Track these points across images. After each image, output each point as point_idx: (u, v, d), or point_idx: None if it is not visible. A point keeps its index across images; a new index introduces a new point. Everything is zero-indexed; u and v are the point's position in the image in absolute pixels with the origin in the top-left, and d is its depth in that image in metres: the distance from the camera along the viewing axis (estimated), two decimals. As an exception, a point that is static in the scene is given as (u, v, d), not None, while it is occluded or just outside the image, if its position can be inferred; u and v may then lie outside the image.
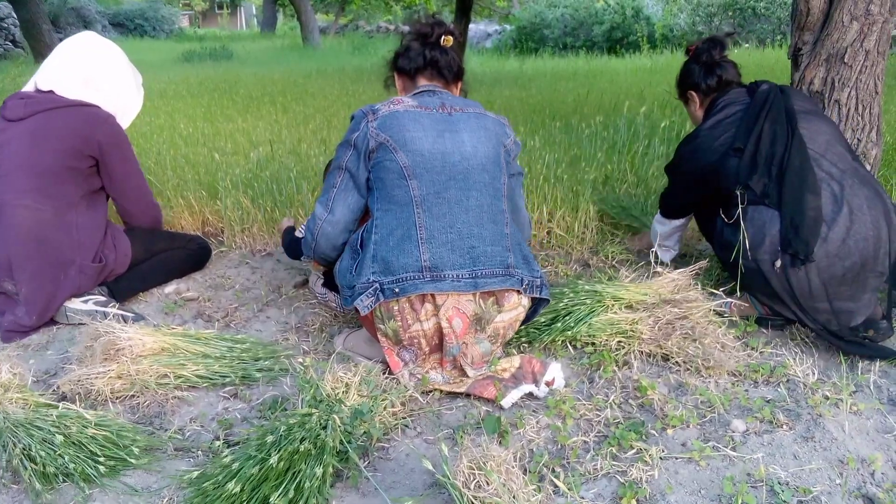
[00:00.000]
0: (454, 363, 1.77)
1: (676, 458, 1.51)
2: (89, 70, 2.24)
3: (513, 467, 1.31)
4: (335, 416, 1.47)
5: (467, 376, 1.76)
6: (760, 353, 1.98)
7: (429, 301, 1.71)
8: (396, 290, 1.68)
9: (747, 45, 12.08)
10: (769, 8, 13.32)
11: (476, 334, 1.76)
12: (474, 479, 1.26)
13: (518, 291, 1.78)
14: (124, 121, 2.36)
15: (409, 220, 1.73)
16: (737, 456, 1.51)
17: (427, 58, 1.96)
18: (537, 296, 1.82)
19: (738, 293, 2.11)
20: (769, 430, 1.61)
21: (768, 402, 1.71)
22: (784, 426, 1.62)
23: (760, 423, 1.63)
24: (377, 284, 1.70)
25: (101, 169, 2.23)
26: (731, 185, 2.07)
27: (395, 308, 1.70)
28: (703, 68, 2.33)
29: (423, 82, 1.98)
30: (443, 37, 1.97)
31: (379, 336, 1.76)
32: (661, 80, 6.79)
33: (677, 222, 2.51)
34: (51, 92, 2.21)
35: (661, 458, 1.49)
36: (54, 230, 2.13)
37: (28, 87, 2.26)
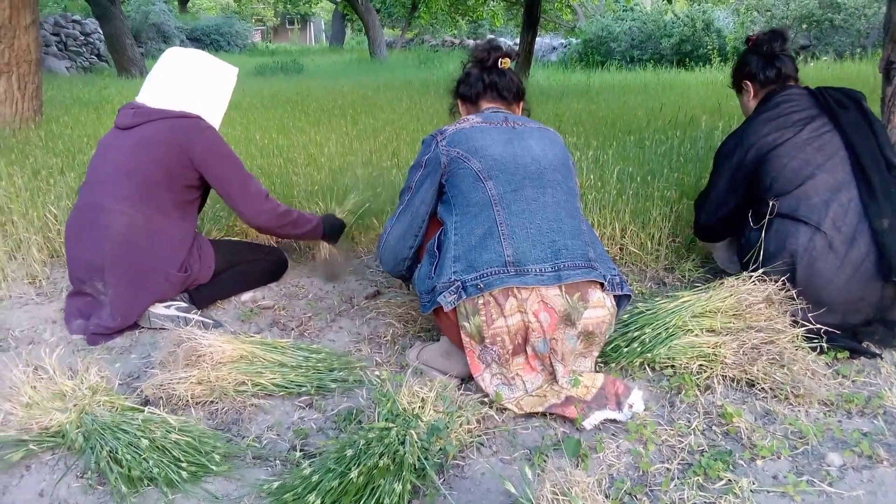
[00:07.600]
0: (542, 363, 1.74)
1: (769, 492, 1.43)
2: (179, 85, 2.29)
3: (597, 494, 1.27)
4: (412, 432, 1.46)
5: (556, 382, 1.73)
6: (853, 381, 1.88)
7: (513, 295, 1.69)
8: (480, 285, 1.69)
9: (825, 57, 11.63)
10: (847, 20, 12.79)
11: (566, 329, 1.72)
12: (558, 505, 1.22)
13: (601, 285, 1.75)
14: (215, 120, 2.37)
15: (490, 218, 1.76)
16: (835, 492, 1.42)
17: (486, 82, 2.05)
18: (619, 293, 1.81)
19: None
20: (868, 466, 1.51)
21: (865, 434, 1.61)
22: (885, 462, 1.52)
23: (858, 457, 1.54)
24: (459, 282, 1.72)
25: (205, 178, 2.29)
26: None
27: (480, 302, 1.70)
28: (762, 59, 2.33)
29: (485, 105, 2.07)
30: (500, 60, 2.06)
31: (462, 336, 1.75)
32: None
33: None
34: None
35: (751, 490, 1.42)
36: (146, 237, 2.20)
37: (140, 99, 2.34)
